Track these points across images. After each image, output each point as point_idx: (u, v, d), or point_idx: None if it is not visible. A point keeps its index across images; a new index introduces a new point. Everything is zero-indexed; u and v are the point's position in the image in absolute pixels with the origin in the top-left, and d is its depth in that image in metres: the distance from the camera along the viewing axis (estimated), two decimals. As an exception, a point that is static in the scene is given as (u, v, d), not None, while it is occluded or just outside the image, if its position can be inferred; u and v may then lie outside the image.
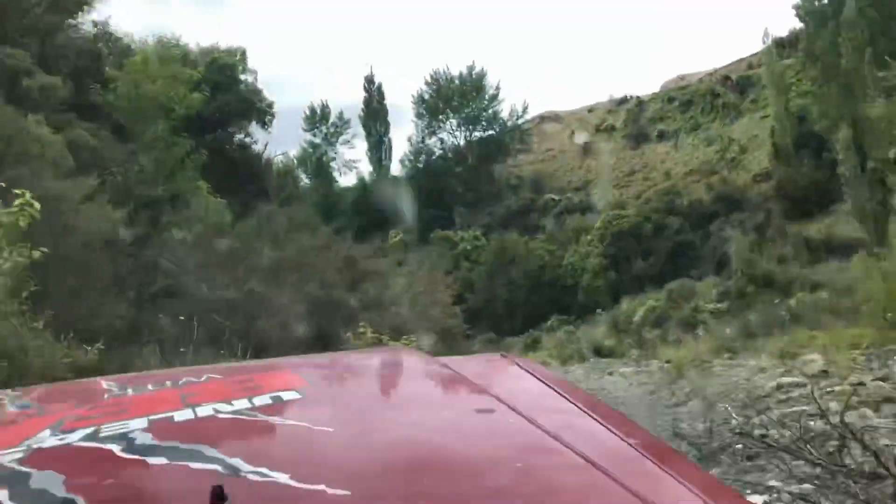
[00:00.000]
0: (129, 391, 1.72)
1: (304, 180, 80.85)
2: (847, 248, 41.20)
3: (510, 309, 48.61)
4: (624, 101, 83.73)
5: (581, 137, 78.88)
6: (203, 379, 1.78)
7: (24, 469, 1.11)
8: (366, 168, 78.87)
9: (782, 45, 60.52)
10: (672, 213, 47.49)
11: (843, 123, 42.15)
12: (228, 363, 6.15)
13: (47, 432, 1.30)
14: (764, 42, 57.00)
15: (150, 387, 1.75)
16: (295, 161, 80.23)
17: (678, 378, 16.33)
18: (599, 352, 26.20)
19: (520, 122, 76.09)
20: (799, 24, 59.35)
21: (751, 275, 35.74)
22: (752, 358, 16.82)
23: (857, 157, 40.71)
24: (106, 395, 1.70)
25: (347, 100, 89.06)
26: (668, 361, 20.99)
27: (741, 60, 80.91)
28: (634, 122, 77.31)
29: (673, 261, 46.14)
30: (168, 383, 1.77)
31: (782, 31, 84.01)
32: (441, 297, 23.16)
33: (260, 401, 1.39)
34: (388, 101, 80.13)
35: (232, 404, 1.38)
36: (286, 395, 1.46)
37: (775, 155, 51.70)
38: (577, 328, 43.12)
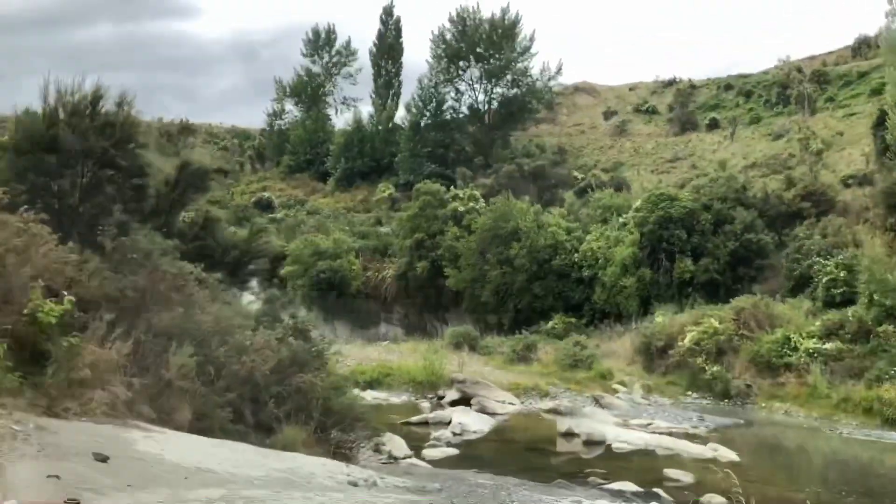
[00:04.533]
0: None
1: (295, 112, 66.54)
2: None
3: (502, 298, 34.30)
4: (672, 83, 69.01)
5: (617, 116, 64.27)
6: None
7: None
8: (365, 108, 64.55)
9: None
10: (741, 204, 32.83)
11: None
12: None
13: None
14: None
15: None
16: (287, 88, 65.85)
17: None
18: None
19: (551, 83, 61.24)
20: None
21: (885, 305, 21.19)
22: None
23: None
24: None
25: (354, 27, 73.35)
26: None
27: (813, 58, 66.18)
28: (682, 106, 62.63)
29: (732, 267, 31.66)
30: None
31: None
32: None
33: None
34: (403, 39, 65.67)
35: None
36: None
37: (883, 154, 37.12)
38: (588, 337, 28.76)
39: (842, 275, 26.03)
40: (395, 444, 12.89)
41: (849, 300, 24.90)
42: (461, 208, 37.45)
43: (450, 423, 16.71)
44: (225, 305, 10.85)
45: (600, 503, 9.45)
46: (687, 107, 62.44)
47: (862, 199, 35.17)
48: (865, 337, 21.24)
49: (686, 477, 11.91)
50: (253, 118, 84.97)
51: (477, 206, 37.60)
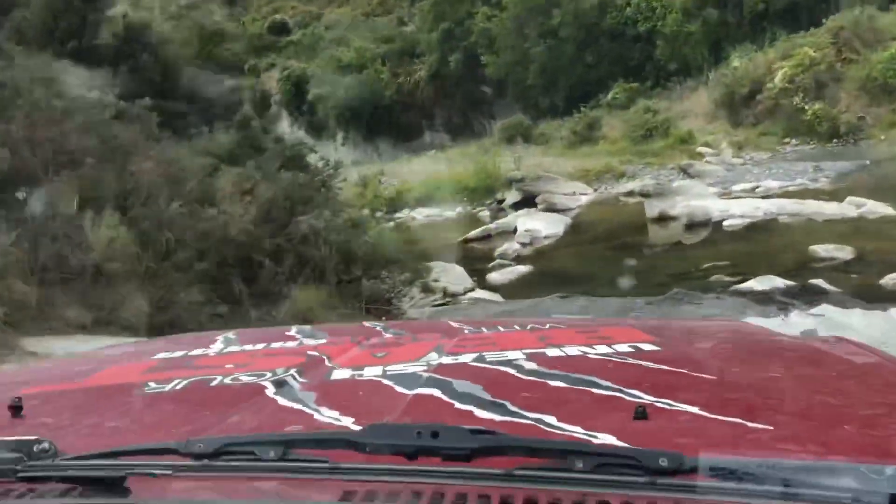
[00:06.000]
0: (483, 329, 1.76)
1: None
2: None
3: (550, 76, 30.07)
4: None
5: None
6: (547, 327, 1.73)
7: (440, 377, 1.18)
8: None
9: None
10: None
11: None
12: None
13: (434, 354, 1.38)
14: None
15: (501, 328, 1.79)
16: None
17: None
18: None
19: None
20: None
21: None
22: None
23: None
24: (466, 331, 1.73)
25: None
26: None
27: None
28: None
29: (814, -13, 26.44)
30: (517, 327, 1.76)
31: None
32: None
33: (620, 348, 1.36)
34: None
35: (594, 349, 1.36)
36: (644, 346, 1.38)
37: None
38: (657, 100, 24.89)
39: (956, -36, 21.06)
40: (452, 275, 10.06)
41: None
42: (488, -17, 32.31)
43: (515, 231, 13.78)
44: (178, 145, 7.72)
45: (748, 320, 6.47)
46: None
47: None
48: None
49: (842, 252, 8.78)
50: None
51: (505, -23, 32.34)
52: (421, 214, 18.76)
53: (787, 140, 19.78)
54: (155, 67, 7.87)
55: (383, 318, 7.93)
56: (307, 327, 1.79)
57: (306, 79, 36.99)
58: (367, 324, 1.82)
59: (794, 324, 6.11)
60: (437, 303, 9.01)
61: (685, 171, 17.12)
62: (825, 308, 6.52)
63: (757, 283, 7.76)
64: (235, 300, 7.21)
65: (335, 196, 8.52)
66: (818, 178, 14.50)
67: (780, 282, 7.75)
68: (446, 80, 33.23)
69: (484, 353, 1.36)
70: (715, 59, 26.59)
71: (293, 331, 1.73)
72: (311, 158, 9.14)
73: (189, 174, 7.18)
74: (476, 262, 12.04)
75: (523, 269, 11.02)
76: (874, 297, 6.89)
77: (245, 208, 7.34)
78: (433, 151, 29.95)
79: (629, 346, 1.37)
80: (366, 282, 8.06)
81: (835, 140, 18.77)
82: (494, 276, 10.63)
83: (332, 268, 7.76)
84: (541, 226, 13.78)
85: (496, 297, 9.45)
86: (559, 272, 10.90)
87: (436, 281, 9.54)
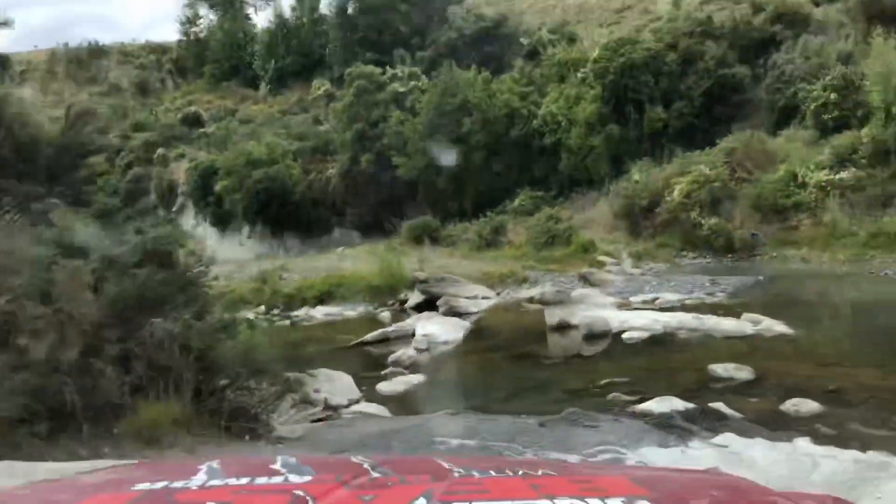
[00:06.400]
0: (474, 473, 1.66)
1: (210, 16, 59.75)
2: None
3: (459, 182, 30.21)
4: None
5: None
6: (539, 473, 1.67)
7: None
8: (287, 2, 57.93)
9: None
10: (709, 36, 28.65)
11: None
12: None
13: (423, 501, 1.33)
14: None
15: (492, 472, 1.68)
16: (198, -8, 58.68)
17: None
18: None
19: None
20: None
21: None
22: None
23: None
24: (456, 474, 1.65)
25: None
26: None
27: None
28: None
29: (708, 109, 27.89)
30: (508, 472, 1.69)
31: None
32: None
33: (613, 503, 1.32)
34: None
35: (586, 502, 1.32)
36: (638, 502, 1.33)
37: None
38: (561, 209, 25.16)
39: (832, 97, 22.59)
40: (337, 385, 9.15)
41: (843, 125, 21.59)
42: (402, 89, 32.75)
43: (414, 335, 13.00)
44: (20, 233, 6.70)
45: (647, 451, 5.82)
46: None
47: (835, 14, 31.31)
48: (885, 159, 17.79)
49: (741, 372, 8.39)
50: (172, 33, 76.80)
51: (419, 84, 32.92)
52: (320, 313, 17.80)
53: (684, 252, 20.08)
54: (6, 144, 6.97)
55: (246, 437, 6.93)
56: (292, 460, 1.72)
57: (214, 170, 36.07)
58: (354, 459, 1.76)
59: (696, 457, 5.49)
60: (314, 418, 8.03)
61: (586, 279, 16.91)
62: (727, 437, 5.96)
63: (656, 405, 7.19)
64: (68, 414, 6.08)
65: (203, 295, 7.57)
66: (715, 291, 14.48)
67: (679, 403, 7.20)
68: (357, 179, 32.92)
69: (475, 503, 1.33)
70: (616, 172, 27.32)
71: (278, 463, 1.68)
72: (183, 252, 8.22)
73: (23, 265, 6.14)
74: (369, 368, 11.17)
75: (416, 378, 10.17)
76: (776, 425, 6.41)
77: (88, 307, 6.32)
78: (341, 248, 29.23)
79: (622, 501, 1.31)
80: (230, 394, 7.06)
81: (730, 255, 19.15)
82: (384, 386, 9.73)
83: (190, 377, 6.74)
84: (440, 330, 13.06)
85: (383, 410, 8.54)
86: (454, 383, 10.14)
87: (317, 391, 8.59)
